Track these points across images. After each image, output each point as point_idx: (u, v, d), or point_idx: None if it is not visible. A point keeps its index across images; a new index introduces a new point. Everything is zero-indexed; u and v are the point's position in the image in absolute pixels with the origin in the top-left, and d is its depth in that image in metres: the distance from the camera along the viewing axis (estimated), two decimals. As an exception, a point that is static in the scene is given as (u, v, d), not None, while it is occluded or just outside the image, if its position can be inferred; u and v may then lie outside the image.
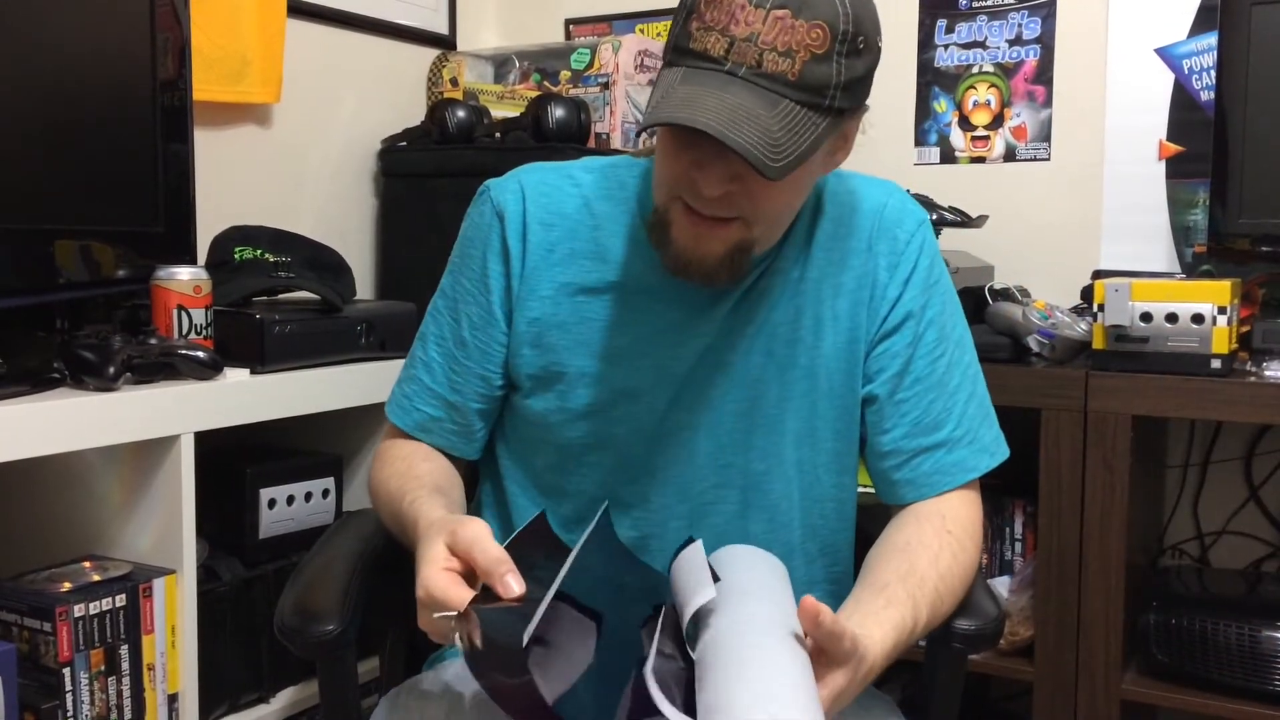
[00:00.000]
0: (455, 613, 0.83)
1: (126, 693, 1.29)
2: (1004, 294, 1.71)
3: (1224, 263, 1.68)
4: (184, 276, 1.39)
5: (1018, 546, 1.71)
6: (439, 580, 0.85)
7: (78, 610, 1.23)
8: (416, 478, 1.09)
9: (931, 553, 1.04)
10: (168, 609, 1.32)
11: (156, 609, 1.31)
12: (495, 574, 0.84)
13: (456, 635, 0.83)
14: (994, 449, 1.14)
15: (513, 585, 0.84)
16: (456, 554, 0.87)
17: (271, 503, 1.48)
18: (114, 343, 1.28)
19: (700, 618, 0.88)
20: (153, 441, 1.32)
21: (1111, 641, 1.55)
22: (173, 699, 1.34)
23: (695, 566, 0.94)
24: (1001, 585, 1.67)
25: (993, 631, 1.06)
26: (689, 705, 0.81)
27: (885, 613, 0.95)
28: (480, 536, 0.87)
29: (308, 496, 1.54)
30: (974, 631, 1.05)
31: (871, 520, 1.15)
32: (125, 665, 1.29)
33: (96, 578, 1.29)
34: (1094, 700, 1.57)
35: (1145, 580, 1.68)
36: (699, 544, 0.97)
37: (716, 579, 0.91)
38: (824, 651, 0.84)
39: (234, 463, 1.48)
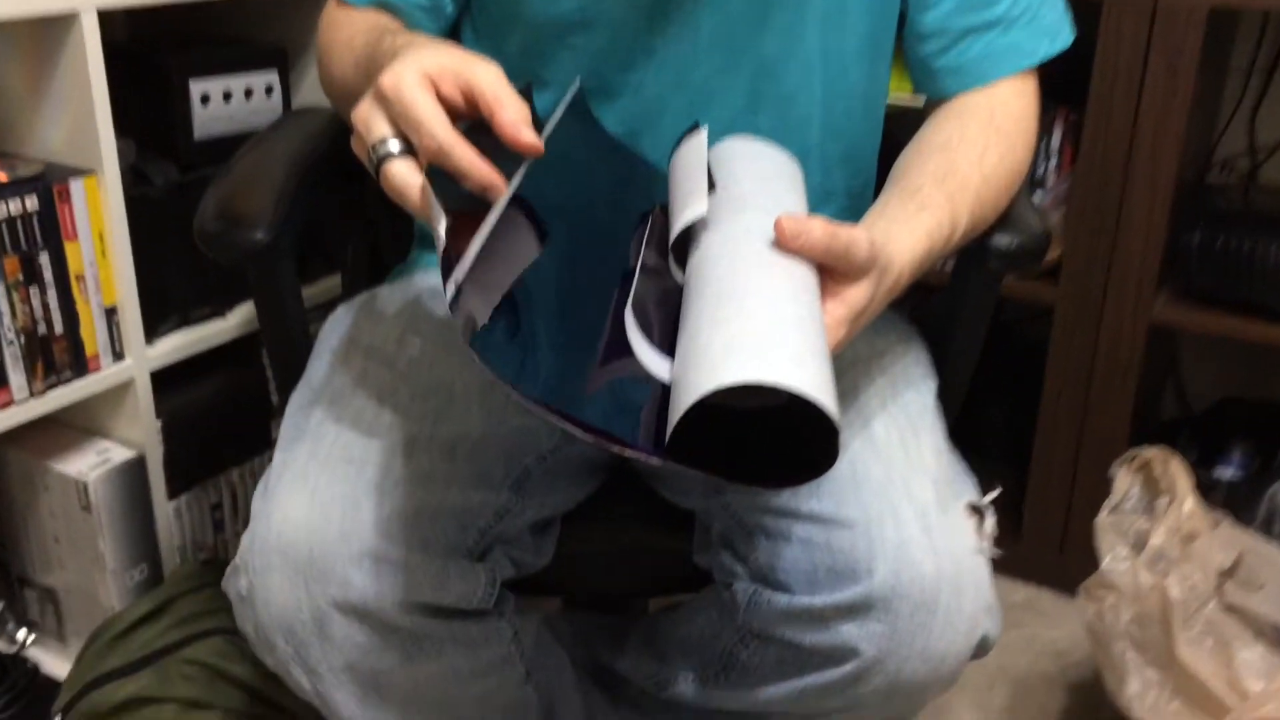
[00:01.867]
0: (397, 145, 0.66)
1: (54, 304, 1.16)
2: None
3: None
4: None
5: (1053, 161, 1.53)
6: (410, 78, 0.65)
7: (-20, 213, 1.08)
8: (390, 30, 0.88)
9: (976, 151, 0.86)
10: (91, 213, 1.17)
11: (77, 213, 1.15)
12: (506, 114, 0.65)
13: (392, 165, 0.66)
14: (1055, 32, 0.93)
15: (528, 134, 0.66)
16: (463, 82, 0.67)
17: (205, 98, 1.29)
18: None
19: (693, 232, 0.72)
20: (49, 21, 1.11)
21: (1149, 260, 1.41)
22: (110, 312, 1.21)
23: (692, 166, 0.76)
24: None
25: (1035, 249, 0.90)
26: (674, 338, 0.67)
27: (918, 218, 0.79)
28: (500, 81, 0.67)
29: (248, 93, 1.34)
30: (1014, 249, 0.89)
31: (903, 129, 0.97)
32: (48, 275, 1.14)
33: (3, 177, 1.12)
34: (1120, 324, 1.45)
35: (1190, 197, 1.51)
36: (702, 134, 0.79)
37: (714, 186, 0.74)
38: (836, 268, 0.69)
39: (157, 53, 1.26)
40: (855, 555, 0.75)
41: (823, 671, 0.78)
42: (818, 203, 0.97)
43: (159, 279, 1.27)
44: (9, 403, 1.13)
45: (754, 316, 0.60)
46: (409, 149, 0.66)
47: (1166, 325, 1.46)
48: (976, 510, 0.82)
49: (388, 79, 0.66)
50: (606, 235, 0.75)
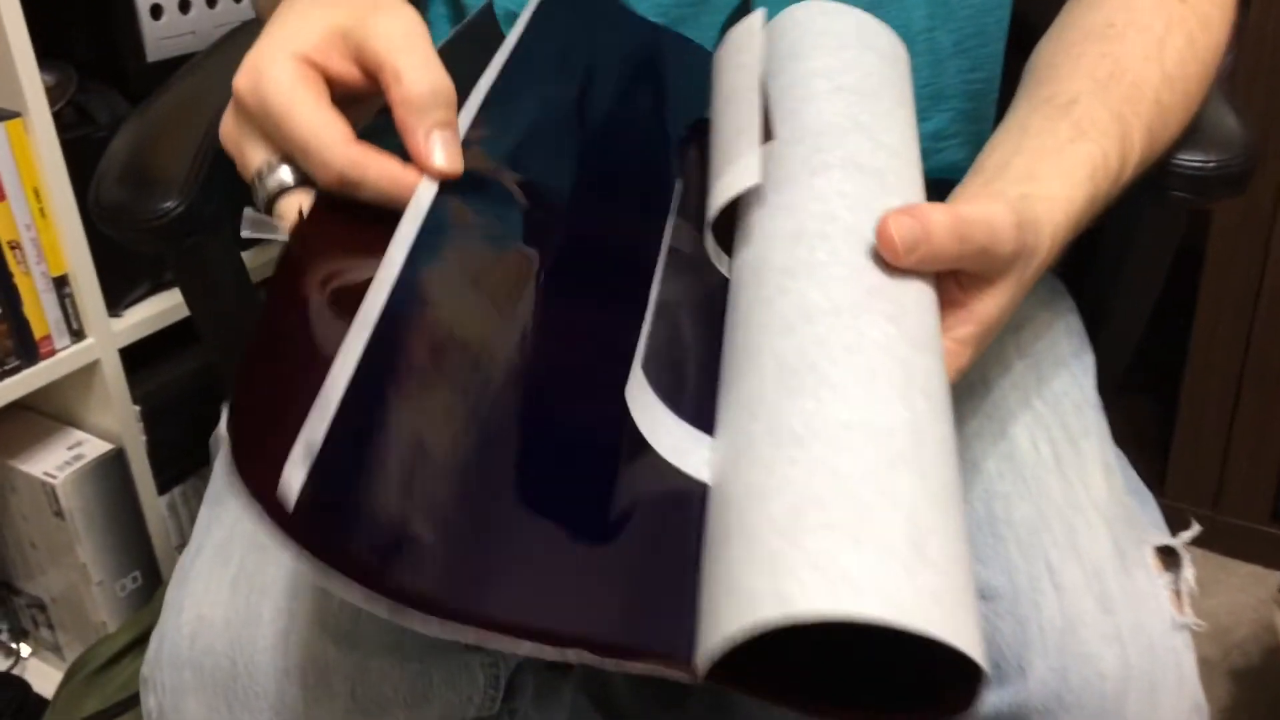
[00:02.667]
0: (290, 174, 0.44)
1: (-15, 281, 0.96)
2: None
3: None
4: None
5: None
6: (277, 76, 0.43)
7: None
8: None
9: (1152, 37, 0.60)
10: (19, 165, 0.95)
11: (2, 166, 0.94)
12: (417, 119, 0.44)
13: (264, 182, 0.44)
14: None
15: (441, 154, 0.44)
16: (354, 49, 0.45)
17: (156, 9, 1.05)
18: None
19: (740, 208, 0.48)
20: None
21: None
22: (61, 282, 1.01)
23: (738, 88, 0.51)
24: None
25: (1238, 169, 0.64)
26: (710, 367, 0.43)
27: (1073, 151, 0.54)
28: (408, 37, 0.45)
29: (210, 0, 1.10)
30: (1210, 171, 0.63)
31: (1036, 5, 0.70)
32: (-28, 246, 0.94)
33: (-96, 129, 0.91)
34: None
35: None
36: (755, 22, 0.54)
37: (771, 129, 0.49)
38: (966, 270, 0.45)
39: (92, -47, 1.04)
40: (999, 644, 0.52)
41: None
42: (924, 108, 0.71)
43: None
44: (-59, 403, 0.95)
45: (842, 467, 0.35)
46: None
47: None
48: (1169, 556, 0.58)
49: (244, 81, 0.44)
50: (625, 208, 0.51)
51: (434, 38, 0.76)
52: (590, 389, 0.40)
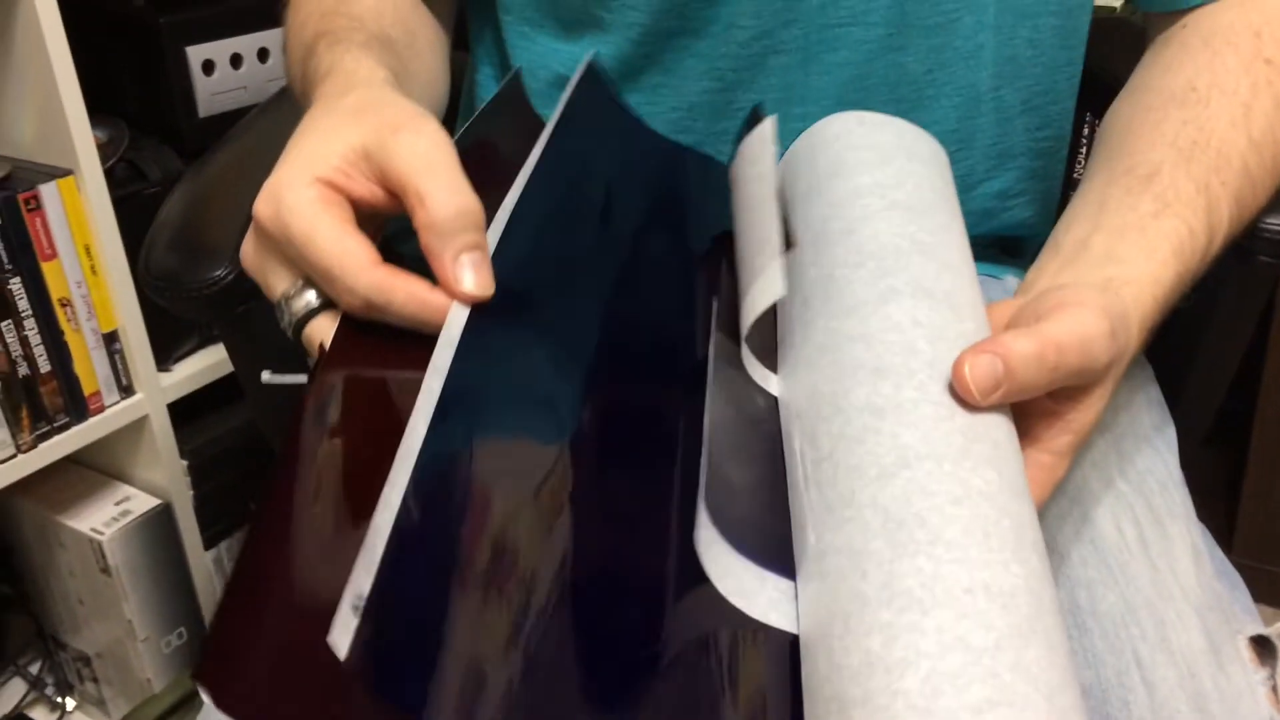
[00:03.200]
0: (315, 297, 0.43)
1: (34, 338, 0.95)
2: None
3: None
4: None
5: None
6: (297, 203, 0.42)
7: (-77, 237, 0.87)
8: (349, 16, 0.63)
9: (1237, 102, 0.57)
10: (71, 223, 0.95)
11: (54, 224, 0.94)
12: (444, 244, 0.42)
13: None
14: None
15: (471, 277, 0.42)
16: (376, 171, 0.43)
17: (208, 66, 1.05)
18: None
19: (780, 331, 0.46)
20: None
21: None
22: (110, 338, 1.00)
23: (756, 197, 0.49)
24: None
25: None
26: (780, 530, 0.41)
27: (1157, 227, 0.51)
28: (432, 157, 0.42)
29: (262, 55, 1.10)
30: (1299, 235, 0.60)
31: (1113, 52, 0.67)
32: (23, 304, 0.94)
33: (-44, 187, 0.91)
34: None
35: None
36: (766, 131, 0.51)
37: (791, 237, 0.48)
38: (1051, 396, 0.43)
39: (142, 14, 1.03)
40: (1087, 746, 0.49)
41: None
42: (991, 167, 0.69)
43: (169, 293, 1.05)
44: (-9, 461, 0.94)
45: (974, 640, 0.33)
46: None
47: None
48: (1263, 646, 0.54)
49: (265, 208, 0.42)
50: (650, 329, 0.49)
51: (483, 99, 0.75)
52: (637, 529, 0.38)
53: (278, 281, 0.43)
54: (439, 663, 0.30)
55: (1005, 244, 0.75)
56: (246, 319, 0.67)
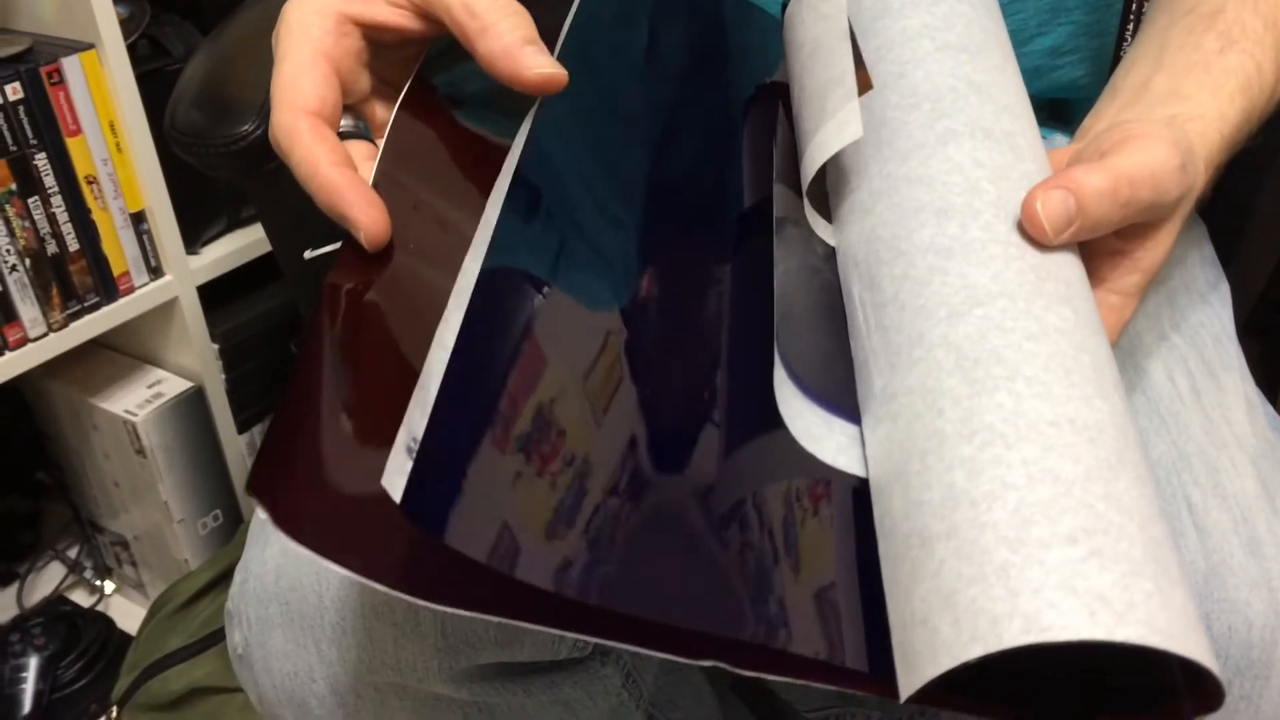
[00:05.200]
0: None
1: (62, 216, 0.94)
2: None
3: None
4: None
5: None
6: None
7: (-54, 110, 0.86)
8: None
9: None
10: (95, 98, 0.94)
11: (77, 99, 0.93)
12: (507, 38, 0.41)
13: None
14: None
15: (544, 61, 0.40)
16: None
17: (229, -63, 1.03)
18: None
19: (838, 173, 0.45)
20: None
21: None
22: (138, 218, 0.99)
23: (823, 34, 0.47)
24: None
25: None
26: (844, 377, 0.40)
27: (1221, 64, 0.49)
28: None
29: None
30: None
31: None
32: (50, 180, 0.93)
33: (-23, 60, 0.89)
34: None
35: None
36: None
37: (860, 58, 0.46)
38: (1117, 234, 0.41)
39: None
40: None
41: None
42: (1043, 22, 0.66)
43: (196, 173, 1.04)
44: (23, 340, 0.94)
45: (1063, 472, 0.32)
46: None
47: None
48: (1318, 497, 0.53)
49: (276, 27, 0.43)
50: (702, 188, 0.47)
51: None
52: (693, 366, 0.37)
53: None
54: (485, 509, 0.30)
55: (1055, 107, 0.72)
56: (275, 179, 0.66)
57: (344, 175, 0.39)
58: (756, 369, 0.38)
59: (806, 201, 0.45)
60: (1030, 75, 0.68)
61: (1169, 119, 0.45)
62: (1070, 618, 0.28)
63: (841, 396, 0.38)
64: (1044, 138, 0.70)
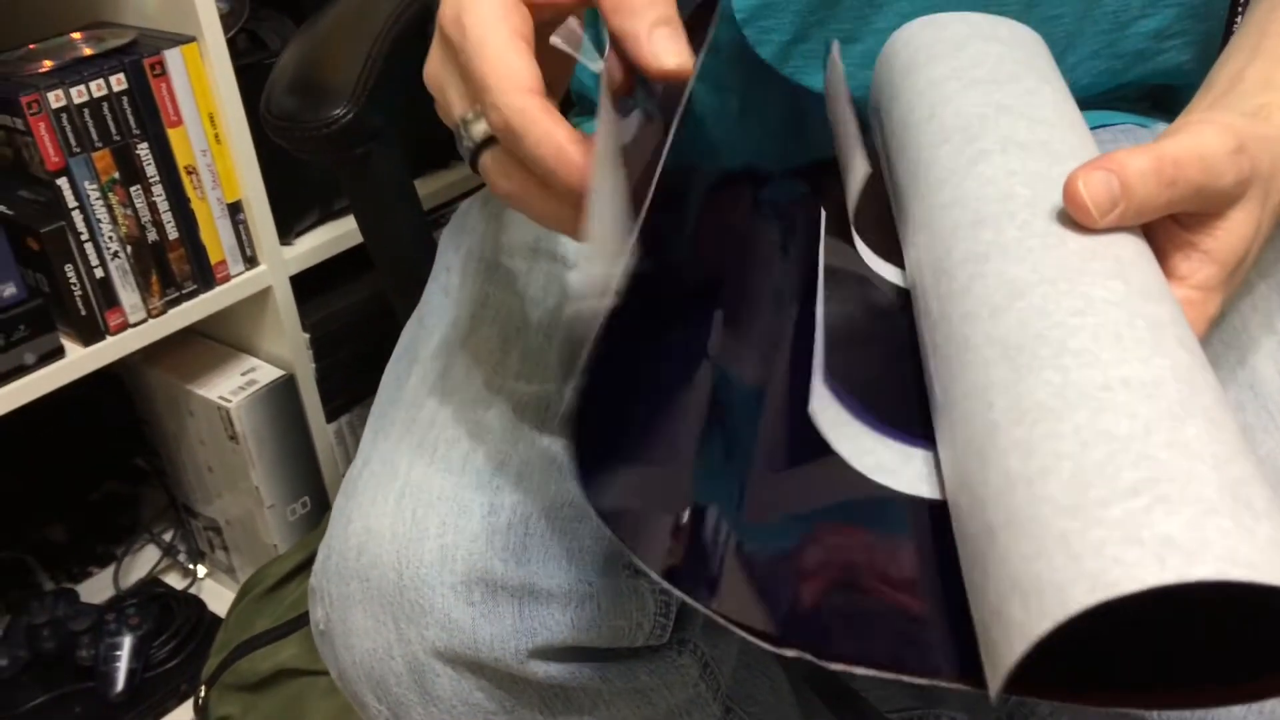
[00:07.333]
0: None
1: (163, 205, 0.97)
2: None
3: None
4: None
5: None
6: (481, 7, 0.40)
7: (54, 99, 0.88)
8: None
9: None
10: (195, 90, 0.96)
11: (178, 91, 0.95)
12: (635, 21, 0.39)
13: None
14: None
15: (670, 48, 0.39)
16: None
17: (327, -67, 1.04)
18: None
19: (898, 209, 0.46)
20: None
21: None
22: (235, 209, 1.02)
23: (835, 110, 0.51)
24: None
25: None
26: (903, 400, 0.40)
27: None
28: None
29: (382, -78, 1.08)
30: None
31: None
32: (151, 170, 0.95)
33: (87, 51, 0.92)
34: None
35: None
36: (834, 46, 0.53)
37: (866, 122, 0.48)
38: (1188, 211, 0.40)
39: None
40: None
41: None
42: (1145, 5, 0.64)
43: (290, 165, 1.06)
44: (123, 325, 0.96)
45: (1118, 429, 0.30)
46: None
47: None
48: None
49: (448, 9, 0.40)
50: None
51: None
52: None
53: (456, 100, 0.42)
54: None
55: (1157, 95, 0.70)
56: (365, 163, 0.67)
57: (587, 154, 0.39)
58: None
59: (858, 239, 0.47)
60: (1133, 59, 0.66)
61: (1257, 109, 0.44)
62: (1136, 569, 0.27)
63: (913, 424, 0.39)
64: (1146, 126, 0.68)
